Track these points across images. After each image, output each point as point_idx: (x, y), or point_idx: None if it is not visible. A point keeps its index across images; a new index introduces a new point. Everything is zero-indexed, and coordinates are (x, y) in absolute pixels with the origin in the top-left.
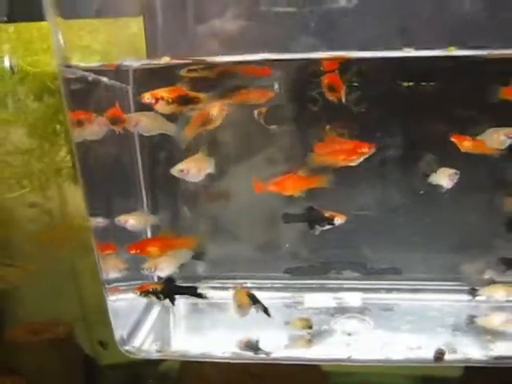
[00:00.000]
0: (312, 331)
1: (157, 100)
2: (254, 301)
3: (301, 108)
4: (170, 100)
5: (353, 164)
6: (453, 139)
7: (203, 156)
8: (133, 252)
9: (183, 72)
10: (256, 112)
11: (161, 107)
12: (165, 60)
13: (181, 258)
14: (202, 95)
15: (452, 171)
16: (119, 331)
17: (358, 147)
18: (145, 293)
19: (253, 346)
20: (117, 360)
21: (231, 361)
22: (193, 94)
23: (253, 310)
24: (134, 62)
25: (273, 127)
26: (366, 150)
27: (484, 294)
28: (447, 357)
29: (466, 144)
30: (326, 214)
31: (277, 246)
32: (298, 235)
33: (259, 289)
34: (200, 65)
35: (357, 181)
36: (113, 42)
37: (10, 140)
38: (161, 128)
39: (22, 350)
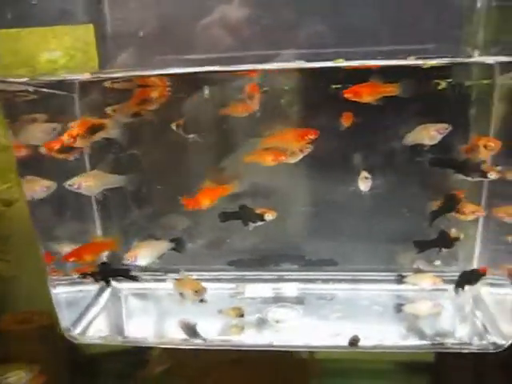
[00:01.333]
0: (244, 319)
1: (74, 138)
2: None
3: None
4: (83, 133)
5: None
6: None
7: (99, 172)
8: (71, 260)
9: (107, 84)
10: (174, 124)
11: (79, 142)
12: (86, 75)
13: (160, 249)
14: (107, 121)
15: (363, 175)
16: (65, 320)
17: (306, 134)
18: (83, 275)
19: (190, 331)
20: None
21: (170, 346)
22: (98, 122)
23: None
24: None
25: (191, 136)
26: (313, 136)
27: (411, 281)
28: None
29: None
30: (257, 211)
31: (220, 240)
32: (240, 230)
33: (205, 280)
34: (117, 79)
35: (295, 179)
36: (74, 47)
37: None
38: (104, 134)
39: (9, 338)
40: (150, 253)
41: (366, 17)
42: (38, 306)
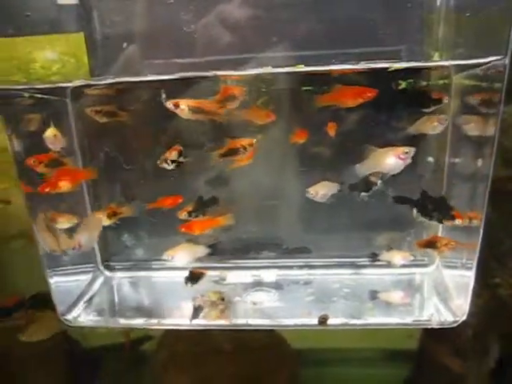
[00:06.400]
0: (225, 302)
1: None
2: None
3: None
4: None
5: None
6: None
7: None
8: (47, 190)
9: (88, 90)
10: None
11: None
12: (75, 82)
13: (196, 254)
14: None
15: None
16: (60, 305)
17: (363, 92)
18: None
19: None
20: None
21: (157, 327)
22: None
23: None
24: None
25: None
26: (371, 95)
27: (384, 258)
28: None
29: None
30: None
31: None
32: None
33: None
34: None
35: (274, 174)
36: (66, 54)
37: None
38: None
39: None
40: (187, 256)
41: (337, 21)
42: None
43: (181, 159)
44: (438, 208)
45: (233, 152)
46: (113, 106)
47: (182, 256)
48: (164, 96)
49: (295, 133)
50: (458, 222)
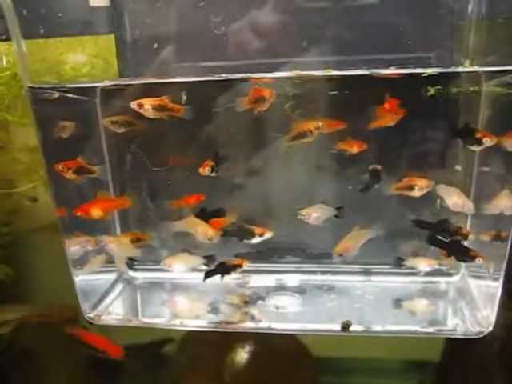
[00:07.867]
0: (248, 305)
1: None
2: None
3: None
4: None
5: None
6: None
7: None
8: (79, 214)
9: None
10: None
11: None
12: (105, 83)
13: (193, 263)
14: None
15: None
16: (85, 304)
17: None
18: None
19: None
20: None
21: (180, 328)
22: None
23: None
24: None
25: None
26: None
27: (409, 264)
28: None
29: None
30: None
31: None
32: None
33: None
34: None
35: (298, 180)
36: (96, 56)
37: (21, 139)
38: None
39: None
40: (184, 265)
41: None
42: (61, 294)
43: (213, 174)
44: (456, 252)
45: (300, 136)
46: (128, 116)
47: (180, 265)
48: (184, 99)
49: (347, 142)
50: (478, 261)
